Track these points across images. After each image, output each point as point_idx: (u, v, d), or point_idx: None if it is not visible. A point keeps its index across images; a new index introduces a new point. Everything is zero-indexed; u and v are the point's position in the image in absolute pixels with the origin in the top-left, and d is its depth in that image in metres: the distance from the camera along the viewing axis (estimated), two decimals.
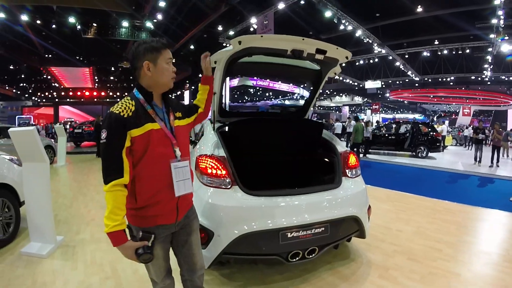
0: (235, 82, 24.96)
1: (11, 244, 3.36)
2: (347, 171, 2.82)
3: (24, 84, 35.02)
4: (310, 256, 2.41)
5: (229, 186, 2.33)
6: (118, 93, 36.38)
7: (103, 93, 34.94)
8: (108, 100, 36.01)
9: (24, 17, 14.46)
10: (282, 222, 2.27)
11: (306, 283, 2.59)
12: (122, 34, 17.33)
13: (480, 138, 10.92)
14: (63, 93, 36.07)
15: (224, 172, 2.36)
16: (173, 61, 1.58)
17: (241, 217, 2.25)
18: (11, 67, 28.35)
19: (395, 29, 17.07)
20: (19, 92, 35.87)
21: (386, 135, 13.92)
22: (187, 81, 31.02)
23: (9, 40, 19.66)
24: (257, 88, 36.05)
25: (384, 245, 3.40)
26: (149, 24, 16.22)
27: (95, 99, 35.40)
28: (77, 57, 27.09)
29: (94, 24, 16.38)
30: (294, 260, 2.36)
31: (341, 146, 3.05)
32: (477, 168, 10.00)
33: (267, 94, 41.99)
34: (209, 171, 2.36)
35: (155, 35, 18.91)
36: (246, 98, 43.29)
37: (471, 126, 22.14)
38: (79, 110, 36.45)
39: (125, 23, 16.47)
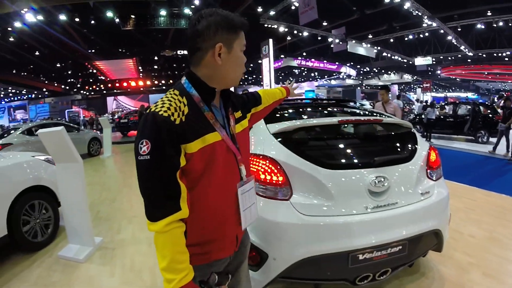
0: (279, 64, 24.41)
1: (51, 245, 3.32)
2: (428, 172, 2.14)
3: (72, 80, 37.11)
4: (381, 278, 1.95)
5: (288, 197, 1.84)
6: (163, 81, 37.77)
7: (148, 82, 36.23)
8: (154, 88, 37.67)
9: (63, 17, 15.11)
10: (353, 242, 1.79)
11: None
12: (161, 23, 17.37)
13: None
14: (109, 85, 37.92)
15: (281, 178, 1.85)
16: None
17: (302, 237, 1.79)
18: (58, 65, 29.94)
19: (446, 0, 15.40)
20: (67, 88, 38.12)
21: (443, 117, 12.54)
22: None
23: (52, 40, 20.66)
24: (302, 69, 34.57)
25: (457, 255, 2.86)
26: (187, 11, 16.10)
27: (141, 89, 36.81)
28: (120, 50, 28.06)
29: (132, 16, 16.57)
30: (362, 283, 1.92)
31: (421, 140, 2.32)
32: None
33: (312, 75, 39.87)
34: (262, 176, 1.87)
35: None
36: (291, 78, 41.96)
37: None
38: (132, 100, 38.21)
39: (163, 12, 16.50)
